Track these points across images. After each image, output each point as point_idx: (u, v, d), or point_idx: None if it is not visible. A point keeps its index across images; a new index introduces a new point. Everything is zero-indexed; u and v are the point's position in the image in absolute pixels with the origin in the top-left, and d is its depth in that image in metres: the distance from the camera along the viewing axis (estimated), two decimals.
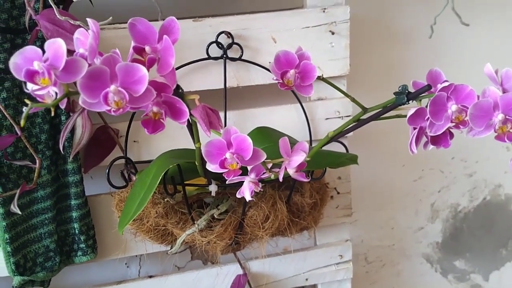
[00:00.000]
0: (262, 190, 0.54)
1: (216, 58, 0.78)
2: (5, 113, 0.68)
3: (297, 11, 0.81)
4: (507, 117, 0.48)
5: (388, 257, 1.22)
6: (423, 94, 0.50)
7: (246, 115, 0.83)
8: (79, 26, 0.66)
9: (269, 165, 0.49)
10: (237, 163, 0.45)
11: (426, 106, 0.50)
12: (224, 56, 0.79)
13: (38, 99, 0.37)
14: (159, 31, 0.44)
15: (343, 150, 0.78)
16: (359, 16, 0.93)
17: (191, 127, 0.52)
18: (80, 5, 0.71)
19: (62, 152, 0.72)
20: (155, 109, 0.41)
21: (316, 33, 0.82)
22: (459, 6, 1.04)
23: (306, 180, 0.50)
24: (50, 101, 0.36)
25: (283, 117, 0.84)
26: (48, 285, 0.80)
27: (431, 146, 0.52)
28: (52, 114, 0.38)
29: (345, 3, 0.83)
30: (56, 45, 0.37)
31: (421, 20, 1.05)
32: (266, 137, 0.71)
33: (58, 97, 0.36)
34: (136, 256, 0.98)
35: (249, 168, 0.48)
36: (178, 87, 0.45)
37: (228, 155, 0.45)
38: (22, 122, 0.37)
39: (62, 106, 0.41)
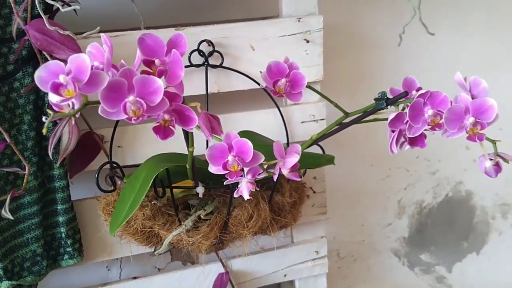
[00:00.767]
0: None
1: (198, 66, 0.82)
2: None
3: (274, 21, 0.85)
4: (477, 120, 0.54)
5: (359, 253, 1.27)
6: (400, 100, 0.55)
7: (228, 119, 0.86)
8: (68, 36, 0.68)
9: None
10: (238, 165, 0.49)
11: (402, 110, 0.55)
12: (206, 63, 0.82)
13: (56, 108, 0.39)
14: (167, 44, 0.47)
15: (316, 151, 0.83)
16: (332, 25, 0.98)
17: (187, 133, 0.55)
18: (64, 14, 0.73)
19: (52, 158, 0.74)
20: (166, 116, 0.45)
21: (292, 41, 0.86)
22: (425, 17, 1.11)
23: (299, 179, 0.54)
24: (67, 110, 0.39)
25: (262, 121, 0.88)
26: None
27: (407, 147, 0.57)
28: (73, 122, 0.40)
29: (318, 12, 0.87)
30: (80, 60, 0.39)
31: (391, 29, 1.12)
32: (251, 140, 0.75)
33: (76, 107, 0.39)
34: (117, 259, 1.00)
35: (245, 169, 0.51)
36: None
37: (230, 157, 0.49)
38: (44, 131, 0.39)
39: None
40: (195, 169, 0.62)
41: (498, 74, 1.19)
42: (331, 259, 1.25)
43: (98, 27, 0.69)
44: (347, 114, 0.59)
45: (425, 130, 0.54)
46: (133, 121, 0.42)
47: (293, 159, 0.51)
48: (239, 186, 0.54)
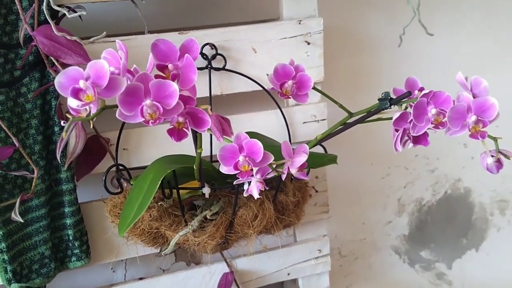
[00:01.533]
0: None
1: (201, 69, 0.83)
2: (3, 126, 0.71)
3: (275, 23, 0.87)
4: (479, 118, 0.55)
5: (360, 251, 1.29)
6: (403, 100, 0.56)
7: (231, 121, 0.87)
8: (75, 41, 0.69)
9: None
10: (249, 165, 0.50)
11: (405, 109, 0.57)
12: (209, 66, 0.83)
13: (73, 113, 0.41)
14: (180, 50, 0.48)
15: (318, 151, 0.84)
16: (332, 27, 0.99)
17: (195, 135, 0.56)
18: (69, 19, 0.74)
19: (60, 162, 0.75)
20: (180, 119, 0.46)
21: (293, 43, 0.87)
22: (424, 18, 1.13)
23: (307, 178, 0.56)
24: (85, 114, 0.40)
25: (264, 122, 0.90)
26: None
27: (410, 145, 0.59)
28: (81, 126, 0.41)
29: (318, 15, 0.89)
30: (99, 65, 0.41)
31: (390, 30, 1.13)
32: None
33: (93, 111, 0.40)
34: (122, 260, 1.01)
35: (254, 169, 0.53)
36: None
37: (241, 158, 0.50)
38: (63, 134, 0.40)
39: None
40: (202, 170, 0.63)
41: (496, 74, 1.21)
42: (333, 257, 1.26)
43: (104, 32, 0.70)
44: (351, 114, 0.61)
45: (428, 128, 0.56)
46: (150, 124, 0.43)
47: (301, 158, 0.53)
48: (247, 185, 0.56)
